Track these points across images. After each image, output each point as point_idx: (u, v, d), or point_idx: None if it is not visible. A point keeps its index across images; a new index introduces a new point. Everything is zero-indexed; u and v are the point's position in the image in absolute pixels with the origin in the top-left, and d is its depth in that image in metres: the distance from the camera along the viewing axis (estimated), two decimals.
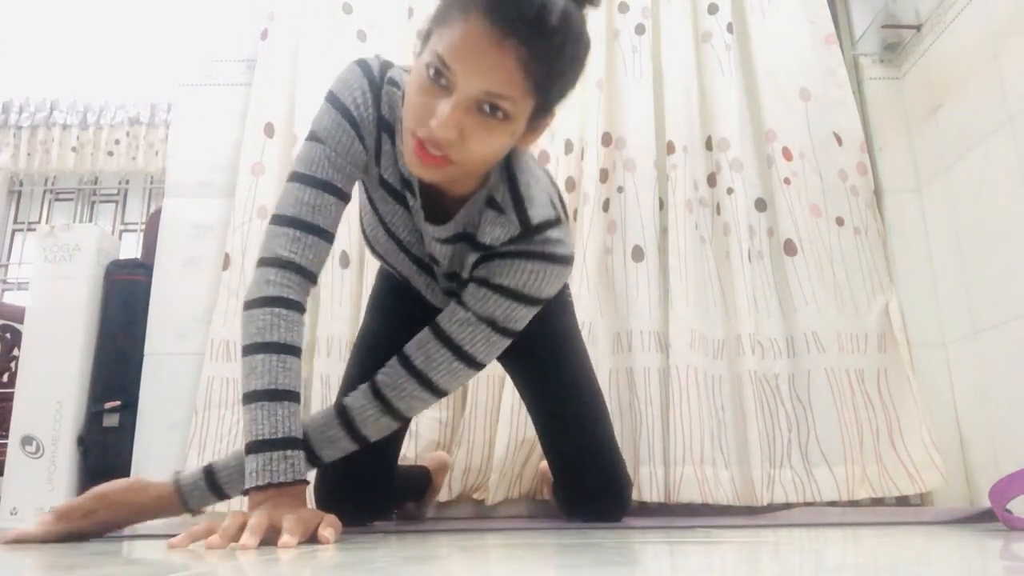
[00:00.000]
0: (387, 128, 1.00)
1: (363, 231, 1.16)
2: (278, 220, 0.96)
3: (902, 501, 1.70)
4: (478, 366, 0.99)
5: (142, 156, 4.29)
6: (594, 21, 0.99)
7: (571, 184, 1.87)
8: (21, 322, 2.04)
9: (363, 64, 1.00)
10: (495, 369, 1.48)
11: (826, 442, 1.71)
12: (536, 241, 0.95)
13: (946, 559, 0.62)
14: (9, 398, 1.81)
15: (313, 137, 0.99)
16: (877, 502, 1.70)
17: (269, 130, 1.89)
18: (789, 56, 1.98)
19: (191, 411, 1.72)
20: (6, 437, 1.79)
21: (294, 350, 0.93)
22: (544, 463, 1.53)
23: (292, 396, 0.90)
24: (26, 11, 4.11)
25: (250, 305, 0.94)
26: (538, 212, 0.96)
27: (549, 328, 0.99)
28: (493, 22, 0.79)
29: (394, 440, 1.30)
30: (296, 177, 0.97)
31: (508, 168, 0.99)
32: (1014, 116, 1.57)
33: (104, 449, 1.78)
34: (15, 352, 2.44)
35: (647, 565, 0.60)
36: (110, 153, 4.29)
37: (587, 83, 1.89)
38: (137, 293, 1.87)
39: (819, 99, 1.96)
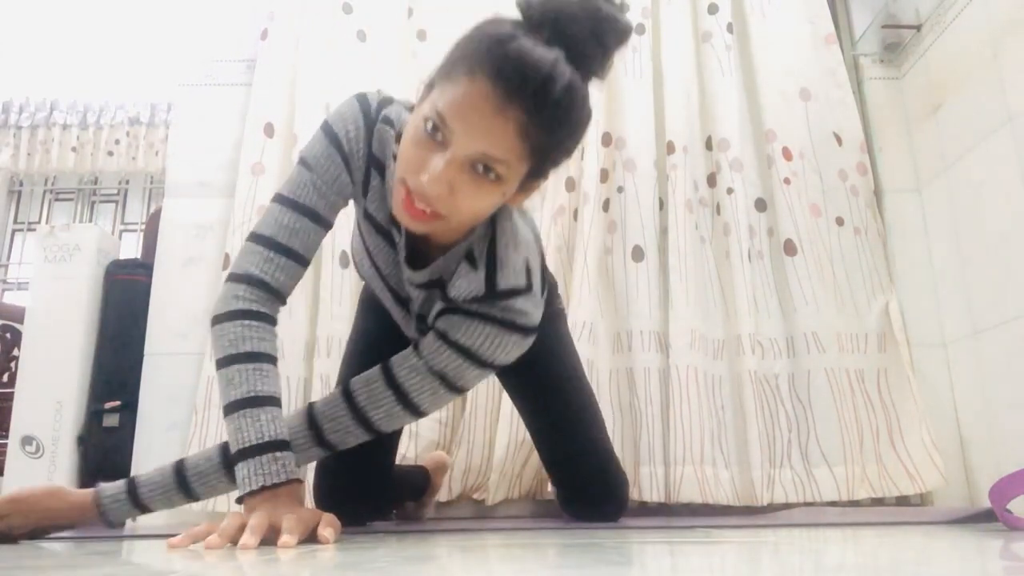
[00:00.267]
0: (377, 165, 1.00)
1: (351, 253, 1.16)
2: (255, 239, 0.96)
3: (902, 501, 1.70)
4: (420, 415, 0.98)
5: (142, 156, 4.30)
6: None
7: (571, 184, 1.87)
8: (21, 322, 2.04)
9: (362, 99, 1.00)
10: None
11: (826, 442, 1.71)
12: (498, 307, 0.93)
13: (946, 559, 0.62)
14: (9, 398, 1.81)
15: (302, 162, 0.99)
16: (877, 502, 1.70)
17: (269, 130, 1.89)
18: (789, 56, 1.98)
19: (191, 411, 1.72)
20: (6, 437, 1.79)
21: (269, 358, 0.92)
22: None
23: (273, 401, 0.90)
24: (26, 11, 4.11)
25: (219, 319, 0.94)
26: (506, 278, 0.93)
27: (540, 334, 0.98)
28: (497, 87, 0.78)
29: (391, 440, 1.30)
30: (279, 199, 0.98)
31: (493, 225, 0.97)
32: (1014, 116, 1.57)
33: (104, 449, 1.78)
34: (15, 352, 2.44)
35: (647, 565, 0.60)
36: (110, 153, 4.30)
37: None
38: (137, 293, 1.87)
39: (819, 99, 1.96)
